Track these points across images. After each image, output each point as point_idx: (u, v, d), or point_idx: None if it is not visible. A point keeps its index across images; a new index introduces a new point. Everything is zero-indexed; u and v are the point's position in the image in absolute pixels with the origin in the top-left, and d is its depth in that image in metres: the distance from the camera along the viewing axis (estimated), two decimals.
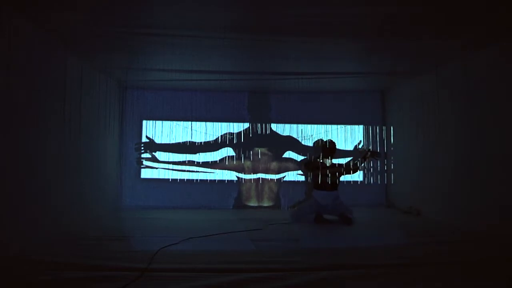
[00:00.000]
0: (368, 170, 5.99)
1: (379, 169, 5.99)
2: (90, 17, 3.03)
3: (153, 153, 5.80)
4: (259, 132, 5.96)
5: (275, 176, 5.89)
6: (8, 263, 2.56)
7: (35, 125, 3.23)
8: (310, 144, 5.91)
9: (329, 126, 5.97)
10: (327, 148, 4.76)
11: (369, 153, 4.88)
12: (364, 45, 3.80)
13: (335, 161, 4.87)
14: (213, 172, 5.81)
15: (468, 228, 3.72)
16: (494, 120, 3.58)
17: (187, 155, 5.82)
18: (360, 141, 5.98)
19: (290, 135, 5.97)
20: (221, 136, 5.88)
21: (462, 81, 4.01)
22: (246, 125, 5.96)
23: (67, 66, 3.78)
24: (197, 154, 5.81)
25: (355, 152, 5.93)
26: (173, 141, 5.83)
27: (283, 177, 5.91)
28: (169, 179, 5.73)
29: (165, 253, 2.94)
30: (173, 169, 5.78)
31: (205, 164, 5.82)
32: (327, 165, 4.73)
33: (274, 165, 5.92)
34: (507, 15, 2.87)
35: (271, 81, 5.27)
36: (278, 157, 5.95)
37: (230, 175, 5.86)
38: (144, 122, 5.82)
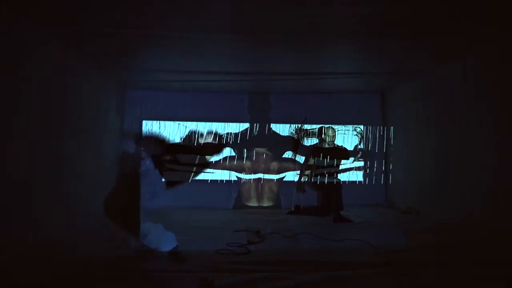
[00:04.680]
0: (370, 169, 5.99)
1: (379, 169, 5.99)
2: (90, 17, 3.03)
3: None
4: (259, 132, 5.96)
5: (275, 176, 5.89)
6: (8, 263, 2.56)
7: (35, 125, 3.23)
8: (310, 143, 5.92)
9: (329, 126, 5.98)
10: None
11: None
12: (363, 45, 3.80)
13: None
14: (213, 172, 5.81)
15: (468, 228, 3.71)
16: (494, 120, 3.57)
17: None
18: (360, 141, 5.97)
19: (290, 135, 5.98)
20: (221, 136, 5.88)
21: (462, 81, 4.01)
22: (246, 125, 5.96)
23: (67, 66, 3.78)
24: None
25: (355, 152, 5.94)
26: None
27: (283, 177, 5.91)
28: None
29: (163, 252, 2.94)
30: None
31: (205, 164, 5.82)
32: None
33: (274, 165, 5.92)
34: (507, 15, 2.87)
35: (271, 81, 5.27)
36: (278, 157, 5.95)
37: (230, 175, 5.87)
38: (144, 122, 5.81)
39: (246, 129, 5.94)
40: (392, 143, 5.84)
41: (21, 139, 3.02)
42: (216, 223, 4.36)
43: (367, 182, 5.97)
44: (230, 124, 5.89)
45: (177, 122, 5.83)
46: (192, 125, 5.82)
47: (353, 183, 5.91)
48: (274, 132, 5.99)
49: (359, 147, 5.97)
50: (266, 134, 5.96)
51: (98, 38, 3.50)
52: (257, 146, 5.90)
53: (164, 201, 5.52)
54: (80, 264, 2.56)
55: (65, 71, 3.75)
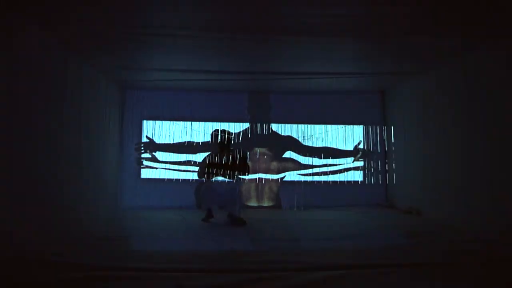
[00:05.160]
0: (368, 170, 5.99)
1: (379, 169, 5.99)
2: (90, 17, 3.03)
3: (153, 153, 5.80)
4: (259, 132, 5.96)
5: (275, 176, 5.89)
6: (8, 263, 2.56)
7: (35, 125, 3.23)
8: (310, 144, 5.93)
9: (329, 126, 5.98)
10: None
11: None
12: (364, 45, 3.80)
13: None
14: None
15: (468, 228, 3.71)
16: (495, 120, 3.57)
17: (187, 155, 5.82)
18: (360, 141, 5.98)
19: (290, 135, 5.98)
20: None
21: (462, 81, 4.01)
22: (246, 125, 5.96)
23: (67, 66, 3.78)
24: (197, 154, 5.81)
25: (355, 152, 5.95)
26: (173, 141, 5.83)
27: (283, 177, 5.91)
28: (169, 179, 5.73)
29: (164, 252, 2.94)
30: (173, 169, 5.78)
31: None
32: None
33: (274, 165, 5.92)
34: (507, 14, 2.87)
35: (271, 81, 5.27)
36: (278, 157, 5.95)
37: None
38: (144, 122, 5.81)
39: (246, 129, 5.94)
40: (392, 143, 5.84)
41: (22, 140, 3.02)
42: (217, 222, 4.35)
43: (367, 182, 5.97)
44: (230, 124, 5.89)
45: (177, 122, 5.83)
46: (193, 126, 5.83)
47: (353, 183, 5.91)
48: (274, 132, 5.99)
49: (359, 147, 5.97)
50: (266, 134, 5.96)
51: (98, 38, 3.50)
52: (257, 146, 5.90)
53: (164, 201, 5.54)
54: (80, 264, 2.55)
55: (65, 71, 3.75)
